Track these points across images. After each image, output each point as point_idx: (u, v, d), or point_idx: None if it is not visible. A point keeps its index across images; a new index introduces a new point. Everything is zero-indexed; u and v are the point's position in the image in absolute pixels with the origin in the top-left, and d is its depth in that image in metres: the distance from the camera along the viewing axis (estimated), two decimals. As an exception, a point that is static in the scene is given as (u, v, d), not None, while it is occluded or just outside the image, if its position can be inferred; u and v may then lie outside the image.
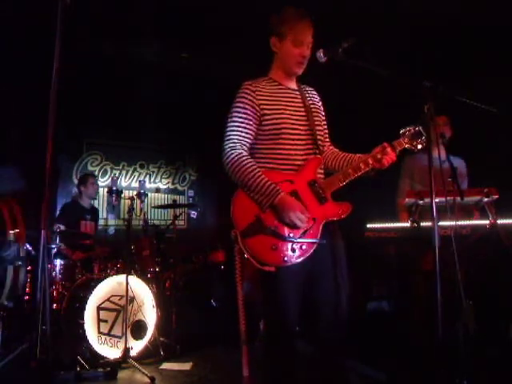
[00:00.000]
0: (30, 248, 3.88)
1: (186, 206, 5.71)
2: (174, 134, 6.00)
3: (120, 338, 3.32)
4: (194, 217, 5.02)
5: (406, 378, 2.87)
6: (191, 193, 6.47)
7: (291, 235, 1.80)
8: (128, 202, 3.71)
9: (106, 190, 5.23)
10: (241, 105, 1.92)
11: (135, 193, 4.00)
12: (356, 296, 4.08)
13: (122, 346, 3.26)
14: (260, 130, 1.92)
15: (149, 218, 4.99)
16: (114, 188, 3.90)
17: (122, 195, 4.09)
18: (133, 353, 3.32)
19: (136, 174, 6.04)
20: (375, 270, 3.70)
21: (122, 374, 3.19)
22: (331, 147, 2.16)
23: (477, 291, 2.68)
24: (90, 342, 3.20)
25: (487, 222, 2.84)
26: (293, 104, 1.97)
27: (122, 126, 5.67)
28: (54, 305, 3.59)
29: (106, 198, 5.63)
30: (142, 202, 3.96)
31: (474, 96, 1.91)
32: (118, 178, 5.30)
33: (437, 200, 1.86)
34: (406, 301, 3.17)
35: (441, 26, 4.17)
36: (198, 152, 6.34)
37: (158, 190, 6.06)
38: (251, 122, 1.90)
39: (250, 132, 1.91)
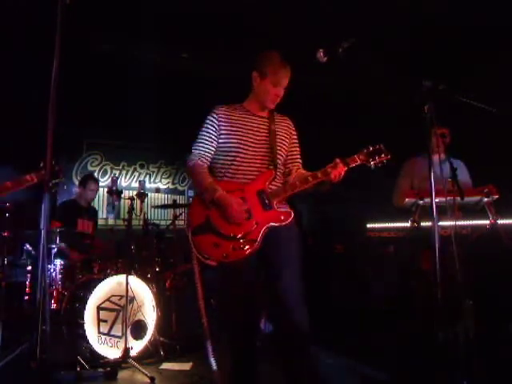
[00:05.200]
0: (30, 248, 3.88)
1: (186, 206, 5.70)
2: (174, 134, 5.99)
3: (120, 338, 3.31)
4: (194, 217, 5.01)
5: (406, 378, 2.87)
6: (191, 193, 6.47)
7: (232, 235, 2.03)
8: (128, 202, 3.71)
9: (105, 189, 5.23)
10: (205, 125, 2.29)
11: (135, 193, 3.99)
12: (355, 296, 4.09)
13: (122, 345, 3.25)
14: (218, 146, 2.24)
15: (149, 218, 4.98)
16: (114, 188, 3.89)
17: (122, 195, 4.08)
18: (133, 353, 3.31)
19: (136, 173, 6.04)
20: (375, 270, 3.70)
21: (122, 374, 3.19)
22: (300, 169, 2.34)
23: (477, 291, 2.68)
24: (90, 341, 3.20)
25: (487, 222, 2.84)
26: (253, 127, 2.24)
27: (122, 125, 5.66)
28: (54, 305, 3.59)
29: (105, 198, 5.63)
30: (142, 202, 3.95)
31: (473, 96, 1.91)
32: (117, 178, 5.30)
33: (437, 200, 1.86)
34: (406, 301, 3.17)
35: (441, 26, 4.17)
36: (197, 152, 6.32)
37: (158, 190, 6.05)
38: (212, 140, 2.25)
39: (210, 147, 2.25)
